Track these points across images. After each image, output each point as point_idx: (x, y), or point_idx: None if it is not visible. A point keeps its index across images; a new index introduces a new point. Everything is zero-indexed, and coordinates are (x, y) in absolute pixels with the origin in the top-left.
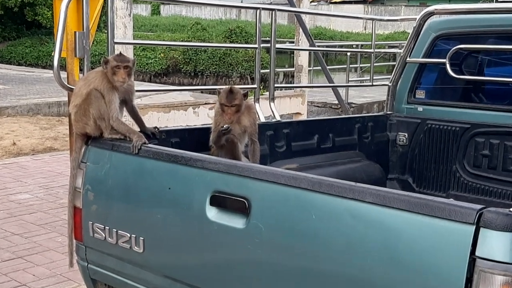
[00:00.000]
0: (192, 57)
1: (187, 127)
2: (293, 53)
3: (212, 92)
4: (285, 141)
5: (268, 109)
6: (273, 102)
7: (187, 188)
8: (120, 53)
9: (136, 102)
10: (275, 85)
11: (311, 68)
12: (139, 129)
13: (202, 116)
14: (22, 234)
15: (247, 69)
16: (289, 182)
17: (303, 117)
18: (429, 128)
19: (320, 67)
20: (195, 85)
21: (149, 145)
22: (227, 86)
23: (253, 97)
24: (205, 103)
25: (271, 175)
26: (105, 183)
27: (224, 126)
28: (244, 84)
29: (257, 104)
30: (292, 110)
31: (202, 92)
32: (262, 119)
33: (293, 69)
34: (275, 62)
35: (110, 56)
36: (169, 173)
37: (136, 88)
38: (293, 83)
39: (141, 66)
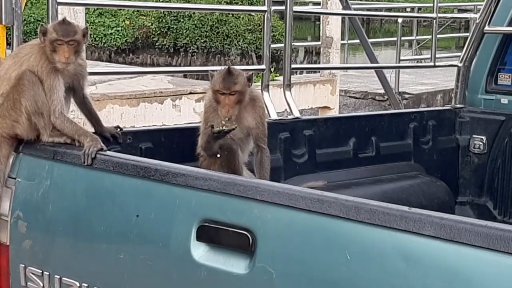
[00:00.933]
0: (171, 26)
1: (163, 127)
2: (318, 19)
3: (200, 76)
4: (306, 148)
5: (282, 100)
6: (290, 90)
7: (163, 216)
8: (64, 19)
9: (90, 90)
10: (293, 66)
11: (345, 42)
12: (93, 130)
13: (186, 111)
14: None
15: (251, 43)
16: (313, 207)
17: (333, 113)
18: None
19: (358, 41)
20: (175, 66)
21: (108, 152)
22: (223, 67)
23: (260, 83)
24: (190, 93)
25: (286, 196)
26: (44, 208)
27: (221, 127)
28: (247, 64)
29: (266, 94)
30: (317, 103)
31: (185, 77)
32: (274, 116)
33: (319, 43)
34: (292, 32)
35: (50, 23)
36: (137, 194)
37: (89, 70)
38: (319, 63)
39: (97, 39)
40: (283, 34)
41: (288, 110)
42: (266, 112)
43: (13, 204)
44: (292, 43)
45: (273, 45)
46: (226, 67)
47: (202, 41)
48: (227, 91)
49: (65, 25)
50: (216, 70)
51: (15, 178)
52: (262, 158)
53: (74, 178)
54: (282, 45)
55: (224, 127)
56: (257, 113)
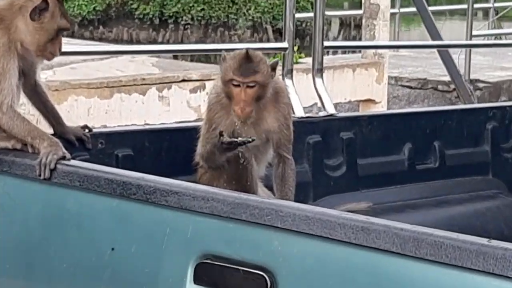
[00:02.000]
0: None
1: (147, 127)
2: None
3: (196, 57)
4: (344, 157)
5: (310, 91)
6: (321, 77)
7: (148, 250)
8: None
9: (45, 76)
10: (325, 43)
11: (395, 11)
12: (51, 131)
13: (177, 105)
14: None
15: (265, 12)
16: (355, 238)
17: (380, 108)
18: None
19: (414, 9)
20: (162, 43)
21: (73, 161)
22: (239, 48)
23: (281, 68)
24: (183, 80)
25: (317, 223)
26: None
27: (234, 137)
28: (261, 40)
29: (289, 82)
30: (357, 94)
31: (175, 58)
32: (299, 112)
33: (360, 11)
34: None
35: None
36: (112, 219)
37: None
38: (360, 40)
39: None
40: None
41: (320, 104)
42: (292, 110)
43: None
44: (324, 13)
45: (298, 15)
46: (244, 49)
47: (199, 9)
48: (245, 81)
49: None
50: (227, 51)
51: None
52: (284, 171)
53: (26, 197)
54: (310, 14)
55: (238, 137)
56: (281, 112)
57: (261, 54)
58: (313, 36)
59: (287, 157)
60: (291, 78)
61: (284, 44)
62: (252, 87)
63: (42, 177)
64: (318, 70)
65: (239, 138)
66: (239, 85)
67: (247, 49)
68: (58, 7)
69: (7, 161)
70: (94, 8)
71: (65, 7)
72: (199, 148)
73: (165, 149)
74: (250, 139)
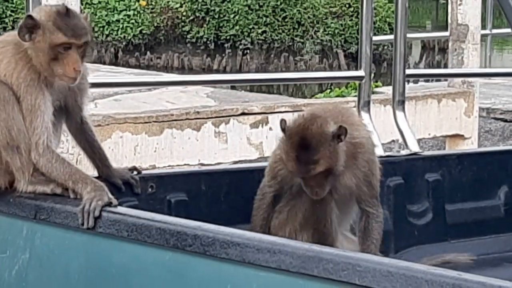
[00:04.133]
0: (210, 9)
1: (203, 168)
2: None
3: (258, 87)
4: (430, 202)
5: (389, 125)
6: (403, 110)
7: None
8: (68, 9)
9: (89, 111)
10: (407, 71)
11: (486, 32)
12: (96, 173)
13: (236, 142)
14: None
15: (336, 35)
16: None
17: (471, 146)
18: None
19: (509, 29)
20: (218, 70)
21: (120, 209)
22: (307, 78)
23: (357, 98)
24: (243, 113)
25: (401, 280)
26: None
27: None
28: (330, 67)
29: (365, 116)
30: (443, 129)
31: (233, 88)
32: (378, 151)
33: (446, 33)
34: (407, 17)
35: (39, 11)
36: (165, 274)
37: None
38: (446, 67)
39: (96, 30)
40: (388, 19)
41: (402, 140)
42: (377, 163)
43: None
44: (406, 34)
45: (376, 38)
46: (298, 130)
47: (260, 31)
48: (306, 175)
49: (71, 18)
50: (288, 129)
51: None
52: (368, 223)
53: (67, 248)
54: (388, 37)
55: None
56: (360, 169)
57: (320, 123)
58: (393, 63)
59: (372, 212)
60: (368, 111)
61: (360, 73)
62: (314, 177)
63: (85, 226)
64: (400, 102)
65: None
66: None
67: (301, 129)
68: (52, 21)
69: (45, 208)
70: (140, 31)
71: (108, 30)
72: (256, 209)
73: (224, 194)
74: None
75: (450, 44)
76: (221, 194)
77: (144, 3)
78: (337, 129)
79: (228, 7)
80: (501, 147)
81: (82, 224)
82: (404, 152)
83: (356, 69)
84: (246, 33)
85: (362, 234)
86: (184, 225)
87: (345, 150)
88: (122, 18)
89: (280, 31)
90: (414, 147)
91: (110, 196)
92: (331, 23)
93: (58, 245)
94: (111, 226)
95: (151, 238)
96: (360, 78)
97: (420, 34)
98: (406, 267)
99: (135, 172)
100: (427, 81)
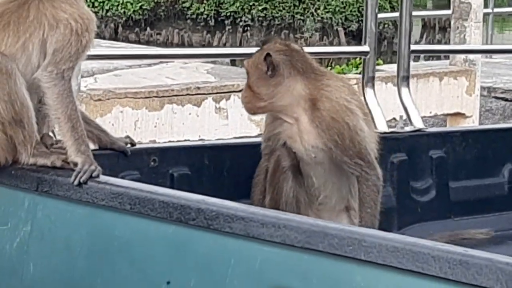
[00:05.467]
0: None
1: (206, 142)
2: None
3: None
4: (434, 178)
5: (390, 102)
6: (408, 86)
7: (209, 283)
8: None
9: (86, 84)
10: (412, 47)
11: (488, 11)
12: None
13: (236, 118)
14: None
15: (337, 13)
16: (451, 274)
17: (471, 123)
18: None
19: (510, 9)
20: (218, 46)
21: (123, 181)
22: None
23: (361, 74)
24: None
25: (408, 256)
26: (21, 268)
27: None
28: (331, 45)
29: (370, 92)
30: (445, 107)
31: (233, 64)
32: (382, 126)
33: (447, 12)
34: None
35: None
36: (168, 248)
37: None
38: (447, 44)
39: (97, 5)
40: None
41: (406, 117)
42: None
43: None
44: (412, 12)
45: (381, 15)
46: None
47: (260, 8)
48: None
49: None
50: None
51: None
52: (360, 190)
53: (69, 221)
54: (389, 15)
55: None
56: (323, 129)
57: (270, 46)
58: (398, 39)
59: (358, 174)
60: (373, 87)
61: (365, 48)
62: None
63: (76, 182)
64: (404, 78)
65: None
66: None
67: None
68: None
69: (47, 180)
70: (140, 7)
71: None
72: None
73: (227, 168)
74: None
75: (452, 22)
76: (224, 168)
77: None
78: (265, 55)
79: None
80: (506, 125)
81: (73, 181)
82: (408, 128)
83: (359, 44)
84: (246, 10)
85: (358, 205)
86: (187, 198)
87: (304, 102)
88: None
89: (281, 8)
90: (418, 124)
91: (97, 166)
92: (332, 0)
93: (60, 218)
94: (114, 199)
95: (154, 212)
96: (365, 53)
97: (422, 12)
98: (412, 242)
99: (128, 142)
100: (427, 59)
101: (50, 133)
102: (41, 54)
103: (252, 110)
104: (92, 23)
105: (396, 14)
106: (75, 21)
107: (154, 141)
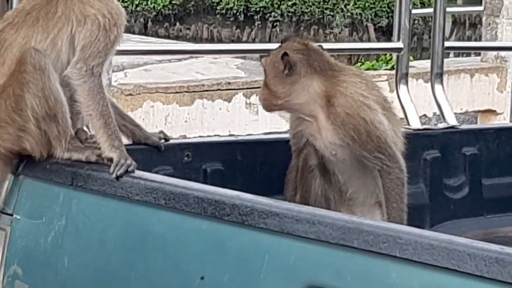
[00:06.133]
0: None
1: (239, 138)
2: None
3: None
4: (467, 176)
5: (421, 99)
6: (441, 83)
7: (243, 279)
8: None
9: (116, 79)
10: (446, 43)
11: None
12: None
13: (267, 114)
14: None
15: (366, 8)
16: (488, 272)
17: (502, 120)
18: None
19: None
20: (247, 42)
21: (158, 176)
22: (339, 49)
23: (394, 70)
24: None
25: (443, 253)
26: (55, 263)
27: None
28: (360, 41)
29: (403, 88)
30: (475, 104)
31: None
32: (415, 123)
33: (479, 8)
34: None
35: None
36: (202, 244)
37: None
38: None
39: (128, 0)
40: None
41: (440, 114)
42: (399, 117)
43: (7, 255)
44: (446, 7)
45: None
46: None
47: (290, 3)
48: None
49: None
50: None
51: (11, 215)
52: (384, 185)
53: (103, 216)
54: (425, 10)
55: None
56: (340, 125)
57: (288, 44)
58: (432, 35)
59: (380, 168)
60: (406, 83)
61: (399, 44)
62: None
63: (114, 176)
64: (438, 75)
65: None
66: None
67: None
68: None
69: (82, 174)
70: (170, 2)
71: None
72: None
73: (259, 164)
74: None
75: (484, 19)
76: (257, 164)
77: None
78: (282, 55)
79: None
80: None
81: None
82: (441, 125)
83: (389, 39)
84: (276, 6)
85: (384, 199)
86: (222, 194)
87: (320, 99)
88: None
89: (310, 3)
90: (451, 121)
91: (132, 161)
92: None
93: (94, 212)
94: (149, 194)
95: (189, 207)
96: (398, 49)
97: (454, 8)
98: (448, 240)
99: (162, 138)
100: (458, 55)
101: (85, 128)
102: (70, 50)
103: (269, 108)
104: (120, 18)
105: (429, 10)
106: (103, 16)
107: (184, 136)
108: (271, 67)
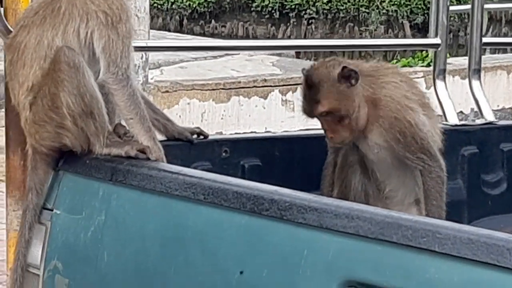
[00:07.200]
0: None
1: (277, 134)
2: None
3: (322, 54)
4: (505, 172)
5: (457, 95)
6: (479, 79)
7: (283, 274)
8: None
9: (152, 76)
10: (484, 39)
11: None
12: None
13: None
14: None
15: (402, 6)
16: None
17: None
18: None
19: None
20: (283, 38)
21: (196, 171)
22: (373, 45)
23: (432, 67)
24: None
25: (482, 248)
26: (95, 257)
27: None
28: (396, 37)
29: (441, 84)
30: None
31: (298, 56)
32: (453, 119)
33: None
34: None
35: None
36: (241, 239)
37: (151, 44)
38: None
39: None
40: None
41: (477, 110)
42: (438, 114)
43: (48, 250)
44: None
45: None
46: (309, 70)
47: (325, 1)
48: (312, 116)
49: None
50: (360, 48)
51: (51, 210)
52: (425, 183)
53: (142, 211)
54: (462, 7)
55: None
56: (385, 127)
57: (324, 70)
58: (470, 31)
59: (421, 167)
60: (444, 79)
61: (436, 40)
62: (325, 115)
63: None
64: (476, 71)
65: None
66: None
67: (307, 72)
68: None
69: (122, 170)
70: (205, 0)
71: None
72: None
73: (297, 160)
74: None
75: None
76: (295, 160)
77: None
78: (341, 70)
79: None
80: None
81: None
82: (479, 121)
83: (425, 36)
84: (311, 3)
85: (424, 198)
86: (261, 189)
87: (366, 103)
88: None
89: (346, 0)
90: (489, 117)
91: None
92: None
93: (133, 207)
94: (187, 189)
95: (228, 202)
96: (436, 46)
97: (491, 5)
98: (487, 235)
99: (199, 134)
100: (494, 52)
101: (122, 122)
102: (84, 46)
103: (347, 139)
104: (123, 13)
105: (466, 6)
106: (104, 13)
107: (220, 133)
108: (331, 96)
